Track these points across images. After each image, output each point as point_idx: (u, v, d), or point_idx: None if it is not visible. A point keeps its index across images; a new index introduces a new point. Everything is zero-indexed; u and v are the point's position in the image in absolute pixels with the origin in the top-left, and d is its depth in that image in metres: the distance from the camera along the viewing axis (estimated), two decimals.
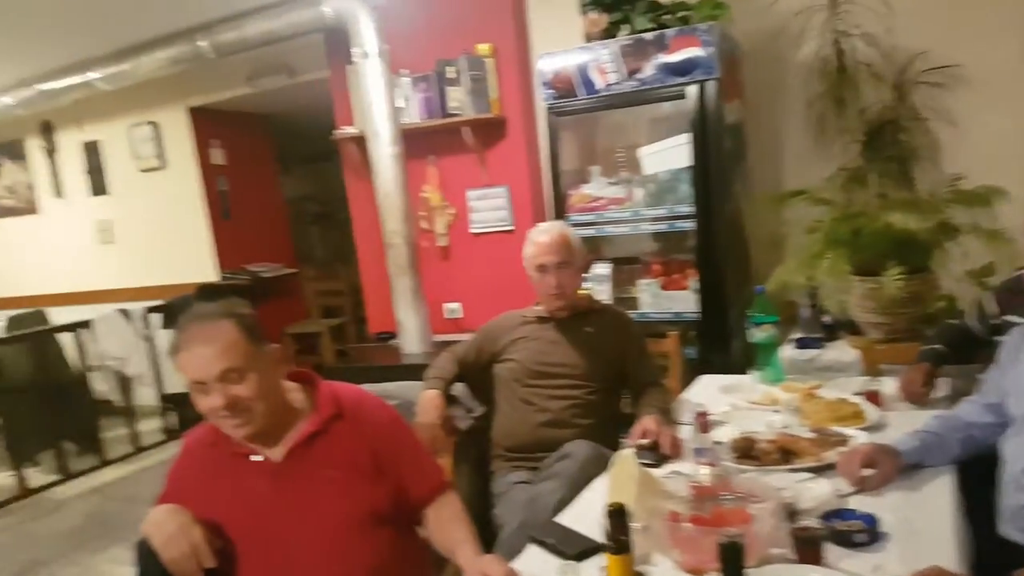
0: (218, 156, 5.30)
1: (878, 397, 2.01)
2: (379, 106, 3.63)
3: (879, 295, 2.48)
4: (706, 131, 2.94)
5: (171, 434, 4.42)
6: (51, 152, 5.74)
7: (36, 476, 3.93)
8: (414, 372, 2.42)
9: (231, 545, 1.50)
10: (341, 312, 6.03)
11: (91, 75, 4.48)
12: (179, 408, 4.57)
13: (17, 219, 6.05)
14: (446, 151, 3.94)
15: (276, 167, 6.08)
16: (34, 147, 5.81)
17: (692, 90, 2.92)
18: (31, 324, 4.55)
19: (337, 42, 3.95)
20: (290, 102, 5.18)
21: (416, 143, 3.87)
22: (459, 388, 2.37)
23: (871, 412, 1.91)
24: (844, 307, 2.68)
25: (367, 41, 3.60)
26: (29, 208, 5.96)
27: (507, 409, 2.28)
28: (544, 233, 2.28)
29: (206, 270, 5.26)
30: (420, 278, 3.82)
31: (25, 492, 3.77)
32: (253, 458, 1.54)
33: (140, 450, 4.26)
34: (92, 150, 5.53)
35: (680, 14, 3.06)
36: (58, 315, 4.78)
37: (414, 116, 3.85)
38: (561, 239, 2.25)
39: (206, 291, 4.71)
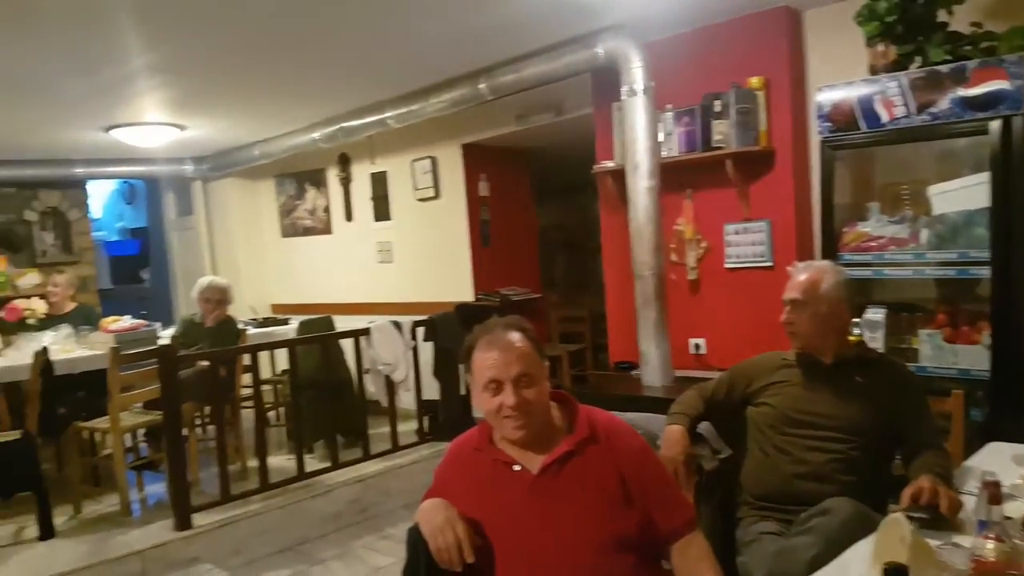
0: (484, 188, 5.72)
1: None
2: (641, 141, 3.69)
3: None
4: (1010, 170, 2.63)
5: (423, 437, 4.72)
6: (346, 181, 6.52)
7: (310, 462, 4.33)
8: (654, 404, 2.41)
9: (488, 545, 1.59)
10: (580, 338, 6.15)
11: (385, 114, 5.04)
12: (431, 413, 4.92)
13: (315, 238, 6.93)
14: (704, 184, 3.90)
15: (532, 197, 6.41)
16: (332, 176, 6.63)
17: (995, 126, 2.64)
18: (320, 328, 5.05)
19: (604, 80, 4.09)
20: (551, 137, 5.41)
21: (673, 176, 3.88)
22: (705, 427, 2.30)
23: None
24: None
25: (636, 79, 3.67)
26: (325, 229, 6.81)
27: (759, 455, 2.18)
28: (801, 271, 2.20)
29: (465, 290, 5.66)
30: (666, 311, 3.80)
31: (301, 475, 4.15)
32: (514, 467, 1.63)
33: (397, 448, 4.54)
34: (379, 180, 6.21)
35: (983, 44, 2.80)
36: (341, 322, 5.35)
37: (674, 150, 3.86)
38: (810, 279, 2.15)
39: (463, 310, 5.05)
